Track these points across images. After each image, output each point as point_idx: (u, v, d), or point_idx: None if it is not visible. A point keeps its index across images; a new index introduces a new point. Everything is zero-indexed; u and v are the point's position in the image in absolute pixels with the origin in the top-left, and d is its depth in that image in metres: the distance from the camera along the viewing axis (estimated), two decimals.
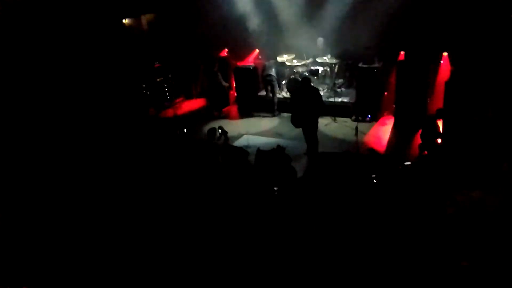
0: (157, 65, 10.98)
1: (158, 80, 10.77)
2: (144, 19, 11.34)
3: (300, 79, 10.12)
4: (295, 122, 7.64)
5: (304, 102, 7.32)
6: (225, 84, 10.77)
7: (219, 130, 8.22)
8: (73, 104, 8.72)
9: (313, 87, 7.73)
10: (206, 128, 8.91)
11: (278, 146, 6.94)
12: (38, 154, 7.75)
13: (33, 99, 8.04)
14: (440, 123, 7.66)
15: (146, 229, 5.86)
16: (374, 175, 6.39)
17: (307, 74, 10.45)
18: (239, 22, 11.53)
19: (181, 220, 5.99)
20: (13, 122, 7.76)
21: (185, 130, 8.14)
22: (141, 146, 8.57)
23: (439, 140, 7.59)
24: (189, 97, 11.88)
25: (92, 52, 9.13)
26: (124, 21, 10.51)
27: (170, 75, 11.09)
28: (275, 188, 6.20)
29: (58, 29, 8.40)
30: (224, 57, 11.64)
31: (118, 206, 6.44)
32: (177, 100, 11.54)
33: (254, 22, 11.55)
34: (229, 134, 9.13)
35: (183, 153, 7.48)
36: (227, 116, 10.64)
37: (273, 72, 10.19)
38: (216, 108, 10.78)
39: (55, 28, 8.32)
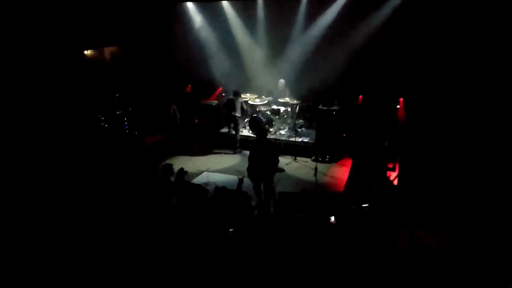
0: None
1: (117, 113, 10.52)
2: (108, 50, 11.23)
3: (262, 119, 10.28)
4: (251, 175, 7.14)
5: (260, 155, 6.98)
6: (178, 119, 10.65)
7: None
8: (28, 130, 8.34)
9: (269, 140, 7.41)
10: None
11: (240, 179, 6.87)
12: None
13: None
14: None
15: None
16: (331, 216, 6.42)
17: (269, 113, 10.63)
18: (204, 59, 11.73)
19: (133, 253, 5.75)
20: None
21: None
22: (94, 179, 8.27)
23: (394, 181, 7.83)
24: (148, 132, 11.59)
25: (50, 82, 8.85)
26: (85, 52, 10.34)
27: (130, 108, 10.88)
28: (230, 230, 6.08)
29: (18, 54, 8.14)
30: (188, 93, 11.66)
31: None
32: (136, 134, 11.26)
33: (218, 61, 11.80)
34: (189, 171, 8.99)
35: (136, 190, 7.26)
36: (186, 153, 10.48)
37: (238, 109, 10.19)
38: (179, 144, 10.63)
39: (15, 53, 8.06)
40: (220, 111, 11.00)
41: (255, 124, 10.35)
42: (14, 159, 7.99)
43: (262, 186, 7.18)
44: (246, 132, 10.81)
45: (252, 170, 7.06)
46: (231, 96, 10.32)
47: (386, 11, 9.62)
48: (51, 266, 5.62)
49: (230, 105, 10.21)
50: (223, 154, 10.40)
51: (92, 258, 5.77)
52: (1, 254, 5.86)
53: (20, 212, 6.95)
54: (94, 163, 9.19)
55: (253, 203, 7.10)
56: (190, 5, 11.43)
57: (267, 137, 7.26)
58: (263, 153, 6.94)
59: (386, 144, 9.42)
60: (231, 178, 8.49)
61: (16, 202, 7.20)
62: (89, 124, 9.92)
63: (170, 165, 6.83)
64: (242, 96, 10.84)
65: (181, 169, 6.91)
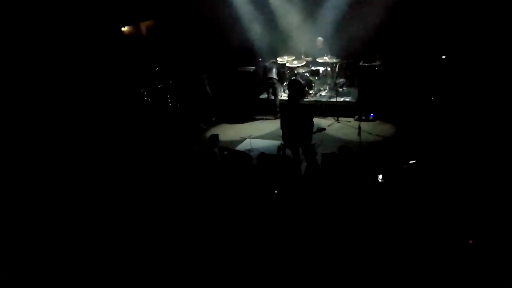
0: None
1: (159, 86, 10.74)
2: (143, 25, 11.35)
3: (301, 81, 10.11)
4: (286, 141, 6.90)
5: (292, 119, 6.72)
6: (209, 92, 10.72)
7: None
8: (73, 110, 8.73)
9: (300, 103, 7.20)
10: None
11: (279, 146, 6.90)
12: (39, 157, 7.77)
13: (32, 103, 8.05)
14: None
15: (147, 231, 5.92)
16: (379, 175, 6.33)
17: (307, 74, 10.43)
18: (238, 24, 11.57)
19: (182, 222, 6.01)
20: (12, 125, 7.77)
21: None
22: (145, 152, 8.62)
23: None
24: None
25: (91, 59, 9.14)
26: (123, 28, 10.52)
27: (171, 81, 11.05)
28: (275, 191, 6.17)
29: (56, 35, 8.41)
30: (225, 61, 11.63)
31: (118, 207, 6.53)
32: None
33: (253, 24, 11.58)
34: (232, 138, 9.16)
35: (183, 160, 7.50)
36: (227, 121, 10.58)
37: (274, 74, 10.15)
38: (202, 120, 10.68)
39: (53, 34, 8.33)
40: (258, 77, 10.92)
41: (294, 86, 10.18)
42: (63, 136, 8.41)
43: (300, 152, 6.94)
44: (285, 96, 10.71)
45: (286, 136, 6.80)
46: (266, 63, 10.21)
47: None
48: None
49: (267, 70, 10.11)
50: (264, 120, 10.43)
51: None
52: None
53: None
54: (142, 136, 9.52)
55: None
56: None
57: (300, 99, 7.04)
58: (295, 117, 6.67)
59: (432, 98, 9.02)
60: (274, 144, 8.50)
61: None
62: (134, 99, 10.21)
63: (216, 136, 6.97)
64: (279, 59, 10.70)
65: (213, 136, 7.04)
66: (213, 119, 10.68)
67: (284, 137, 6.90)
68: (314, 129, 6.72)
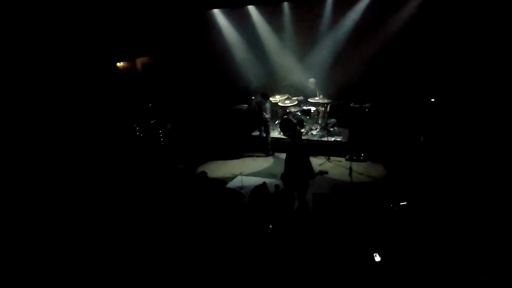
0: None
1: (151, 122, 10.78)
2: (139, 61, 11.54)
3: (293, 120, 10.24)
4: (286, 179, 6.85)
5: (295, 158, 6.69)
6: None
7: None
8: (65, 142, 8.71)
9: (303, 142, 7.21)
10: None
11: (264, 183, 6.90)
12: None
13: (27, 133, 8.04)
14: None
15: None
16: (370, 215, 6.33)
17: (299, 114, 10.59)
18: (233, 64, 11.85)
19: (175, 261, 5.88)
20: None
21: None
22: (134, 187, 8.53)
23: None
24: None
25: (85, 93, 9.21)
26: (118, 64, 10.68)
27: (165, 117, 11.10)
28: (270, 226, 6.12)
29: (52, 67, 8.50)
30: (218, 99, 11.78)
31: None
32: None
33: (247, 63, 11.88)
34: (223, 175, 9.13)
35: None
36: (218, 158, 10.59)
37: (267, 111, 10.25)
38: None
39: (49, 65, 8.43)
40: (251, 114, 11.04)
41: (286, 125, 10.33)
42: (52, 167, 8.32)
43: (295, 191, 6.88)
44: (277, 134, 10.81)
45: (287, 174, 6.76)
46: (259, 99, 10.36)
47: (413, 4, 9.39)
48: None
49: (259, 107, 10.25)
50: (255, 158, 10.44)
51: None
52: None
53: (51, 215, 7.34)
54: (131, 171, 9.45)
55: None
56: (216, 12, 11.56)
57: (301, 138, 7.06)
58: (298, 156, 6.66)
59: (421, 139, 9.17)
60: (265, 181, 8.50)
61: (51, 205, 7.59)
62: (126, 133, 10.21)
63: (204, 173, 6.95)
64: (271, 98, 10.89)
65: (202, 173, 7.05)
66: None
67: (284, 173, 6.84)
68: (316, 171, 6.69)
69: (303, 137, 10.31)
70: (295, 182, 6.73)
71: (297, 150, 6.68)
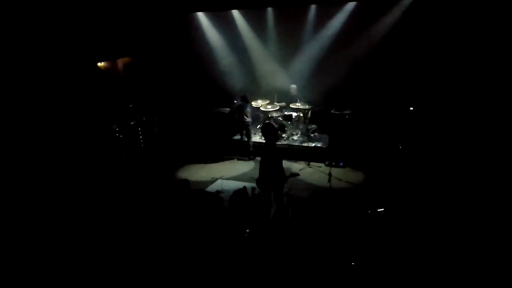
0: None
1: (131, 123, 10.66)
2: (120, 61, 11.42)
3: (274, 125, 10.26)
4: (261, 184, 6.79)
5: (269, 163, 6.67)
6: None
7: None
8: (44, 140, 8.56)
9: (277, 147, 7.11)
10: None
11: (244, 187, 6.92)
12: None
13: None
14: None
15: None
16: (348, 221, 6.41)
17: (281, 119, 10.66)
18: (215, 67, 11.85)
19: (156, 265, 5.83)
20: None
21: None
22: (113, 189, 8.42)
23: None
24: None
25: (64, 92, 9.06)
26: (99, 63, 10.54)
27: (144, 118, 11.01)
28: (247, 231, 6.13)
29: (31, 66, 8.35)
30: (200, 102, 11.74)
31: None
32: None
33: (230, 67, 11.91)
34: (203, 179, 9.10)
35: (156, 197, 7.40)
36: (199, 161, 10.55)
37: (248, 115, 10.29)
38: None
39: (27, 64, 8.27)
40: (232, 118, 11.04)
41: (267, 130, 10.33)
42: (30, 168, 8.17)
43: (272, 195, 6.84)
44: (258, 138, 10.84)
45: (262, 178, 6.75)
46: (240, 102, 10.38)
47: (395, 13, 9.60)
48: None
49: (240, 111, 10.26)
50: (236, 161, 10.45)
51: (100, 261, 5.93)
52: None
53: (35, 218, 7.21)
54: (110, 172, 9.34)
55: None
56: (200, 15, 11.56)
57: (276, 143, 7.05)
58: (270, 160, 6.66)
59: (400, 147, 9.35)
60: (246, 185, 8.50)
61: (31, 208, 7.46)
62: (105, 134, 10.07)
63: (187, 181, 6.93)
64: (253, 103, 10.93)
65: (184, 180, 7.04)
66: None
67: (259, 178, 6.85)
68: (287, 174, 6.74)
69: (285, 142, 10.45)
70: (269, 186, 6.73)
71: (271, 154, 6.68)
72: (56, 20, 8.72)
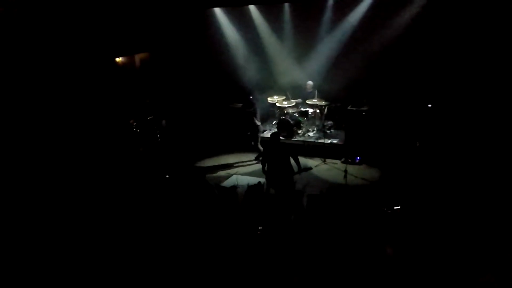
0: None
1: (148, 118, 10.76)
2: (137, 57, 11.54)
3: (290, 121, 10.25)
4: (270, 182, 6.83)
5: (274, 160, 6.69)
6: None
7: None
8: (62, 139, 8.69)
9: (282, 143, 7.09)
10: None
11: (259, 182, 6.90)
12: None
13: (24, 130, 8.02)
14: None
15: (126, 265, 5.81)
16: (363, 218, 6.35)
17: (297, 115, 10.60)
18: (232, 63, 11.86)
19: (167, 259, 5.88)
20: None
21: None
22: (130, 183, 8.51)
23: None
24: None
25: (82, 88, 9.20)
26: (117, 59, 10.67)
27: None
28: (259, 228, 6.13)
29: (51, 63, 8.49)
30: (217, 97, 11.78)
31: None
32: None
33: (246, 64, 11.90)
34: (218, 174, 9.13)
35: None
36: (215, 154, 10.58)
37: (258, 118, 9.81)
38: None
39: (46, 61, 8.41)
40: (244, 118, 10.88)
41: (283, 126, 10.34)
42: (49, 164, 8.31)
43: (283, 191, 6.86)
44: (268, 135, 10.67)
45: (270, 177, 6.74)
46: (252, 102, 9.84)
47: (414, 7, 9.43)
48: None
49: (249, 114, 9.79)
50: (251, 157, 10.44)
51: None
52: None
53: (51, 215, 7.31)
54: (126, 166, 9.44)
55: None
56: (217, 10, 11.57)
57: (280, 139, 7.02)
58: (277, 157, 6.64)
59: (417, 144, 9.22)
60: (260, 181, 8.51)
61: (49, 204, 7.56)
62: (122, 129, 10.20)
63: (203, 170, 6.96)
64: (269, 99, 10.88)
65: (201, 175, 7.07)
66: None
67: (267, 177, 6.86)
68: (302, 167, 6.70)
69: (300, 138, 10.40)
70: (279, 182, 6.73)
71: (277, 150, 6.69)
72: (75, 16, 8.85)
